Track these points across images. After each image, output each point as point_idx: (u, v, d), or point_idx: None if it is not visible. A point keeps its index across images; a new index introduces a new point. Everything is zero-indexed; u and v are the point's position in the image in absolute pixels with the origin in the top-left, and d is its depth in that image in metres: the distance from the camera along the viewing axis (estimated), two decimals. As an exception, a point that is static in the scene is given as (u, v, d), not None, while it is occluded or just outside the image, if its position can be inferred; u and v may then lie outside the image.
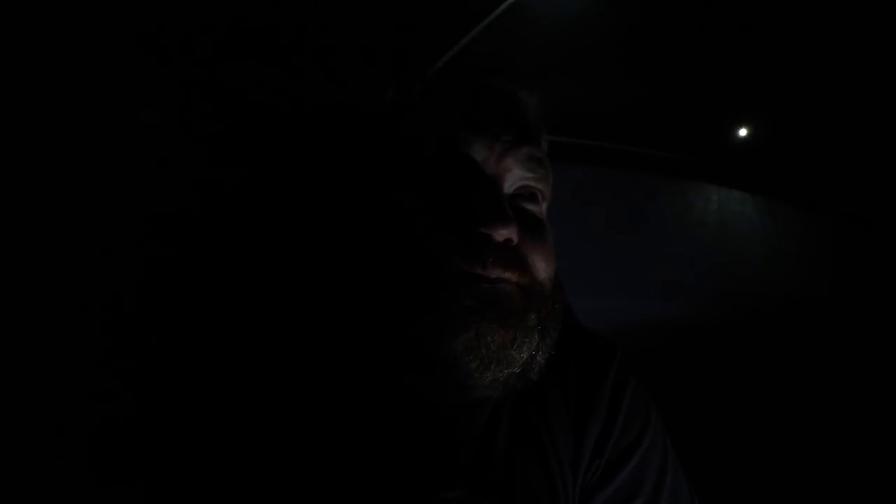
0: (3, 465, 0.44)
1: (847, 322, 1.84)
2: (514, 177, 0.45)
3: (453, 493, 0.40)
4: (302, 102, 0.61)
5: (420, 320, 0.40)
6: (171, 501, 0.41)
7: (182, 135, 0.59)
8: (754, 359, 1.74)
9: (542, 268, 0.45)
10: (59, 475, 0.44)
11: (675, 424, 0.54)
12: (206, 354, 0.46)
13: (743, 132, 2.28)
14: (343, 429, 0.42)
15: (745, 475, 1.37)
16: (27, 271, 0.51)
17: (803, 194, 2.27)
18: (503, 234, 0.41)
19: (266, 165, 0.58)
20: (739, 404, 1.56)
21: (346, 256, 0.46)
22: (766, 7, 1.52)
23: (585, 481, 0.46)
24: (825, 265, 2.19)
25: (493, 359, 0.40)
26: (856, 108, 1.84)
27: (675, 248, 2.09)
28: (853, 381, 1.65)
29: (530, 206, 0.46)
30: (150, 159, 0.57)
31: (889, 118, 1.82)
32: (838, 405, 1.57)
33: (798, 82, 1.80)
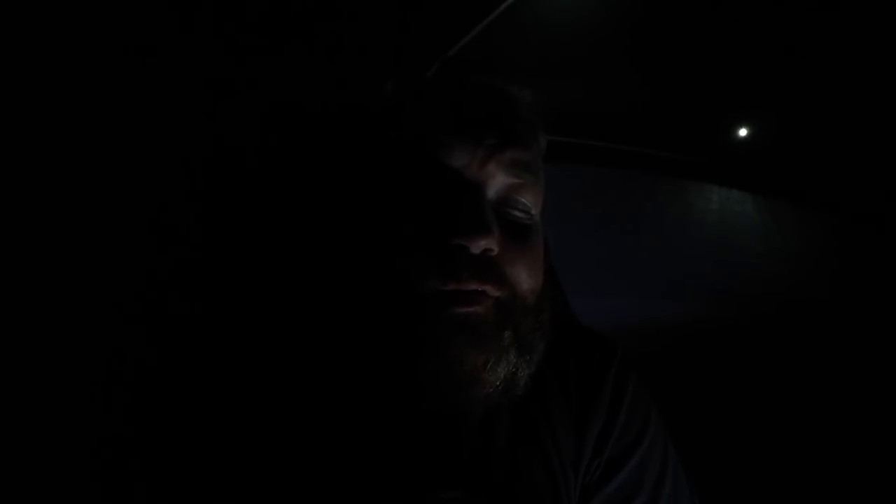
0: (4, 465, 0.44)
1: (847, 321, 1.84)
2: (498, 183, 0.43)
3: (450, 493, 0.40)
4: (290, 102, 0.60)
5: (392, 344, 0.39)
6: (172, 502, 0.41)
7: (178, 135, 0.58)
8: (754, 358, 1.75)
9: (523, 279, 0.42)
10: (58, 476, 0.44)
11: (675, 423, 0.54)
12: (206, 358, 0.46)
13: (743, 132, 2.29)
14: (339, 430, 0.42)
15: (745, 474, 1.38)
16: (25, 272, 0.51)
17: (803, 194, 2.28)
18: (481, 245, 0.39)
19: (249, 170, 0.57)
20: (739, 403, 1.57)
21: (325, 268, 0.45)
22: (767, 8, 1.52)
23: (586, 480, 0.46)
24: (825, 265, 2.19)
25: (467, 382, 0.39)
26: (856, 109, 1.84)
27: (675, 248, 2.10)
28: (853, 380, 1.65)
29: (516, 214, 0.44)
30: (144, 160, 0.57)
31: (889, 118, 1.83)
32: (838, 404, 1.57)
33: (798, 82, 1.81)
